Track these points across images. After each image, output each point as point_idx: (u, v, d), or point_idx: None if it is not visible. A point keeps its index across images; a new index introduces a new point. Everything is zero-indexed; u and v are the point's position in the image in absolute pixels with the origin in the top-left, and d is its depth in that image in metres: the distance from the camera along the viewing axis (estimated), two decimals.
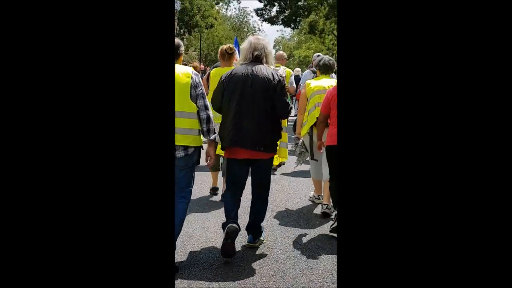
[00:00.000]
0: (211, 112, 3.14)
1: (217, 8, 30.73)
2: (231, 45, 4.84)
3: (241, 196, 3.47)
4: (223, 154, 3.56)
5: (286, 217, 4.36)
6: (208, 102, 3.13)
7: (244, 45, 3.39)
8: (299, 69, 12.62)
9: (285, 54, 6.93)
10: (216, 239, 3.69)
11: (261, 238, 3.58)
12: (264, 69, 3.25)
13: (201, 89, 3.08)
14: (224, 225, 3.33)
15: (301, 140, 4.58)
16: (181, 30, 22.27)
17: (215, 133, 3.18)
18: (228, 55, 4.69)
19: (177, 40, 3.25)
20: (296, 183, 5.84)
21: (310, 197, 4.90)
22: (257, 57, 3.30)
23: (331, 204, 4.16)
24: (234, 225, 3.25)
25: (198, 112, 3.07)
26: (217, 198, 5.00)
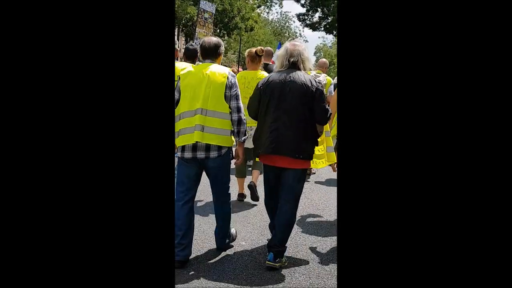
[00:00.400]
0: (243, 114, 3.14)
1: (258, 11, 30.57)
2: (262, 47, 4.79)
3: (278, 198, 3.30)
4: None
5: (314, 235, 3.96)
6: (241, 104, 3.14)
7: (281, 52, 3.32)
8: None
9: (327, 62, 6.85)
10: (232, 249, 3.36)
11: (283, 259, 3.20)
12: (302, 76, 3.17)
13: (235, 90, 3.10)
14: (270, 227, 3.53)
15: None
16: (220, 32, 22.17)
17: (245, 135, 3.18)
18: (258, 58, 4.64)
19: (218, 39, 3.31)
20: (327, 197, 5.42)
21: None
22: (293, 64, 3.23)
23: None
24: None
25: (230, 113, 3.08)
26: (243, 204, 4.78)
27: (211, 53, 3.19)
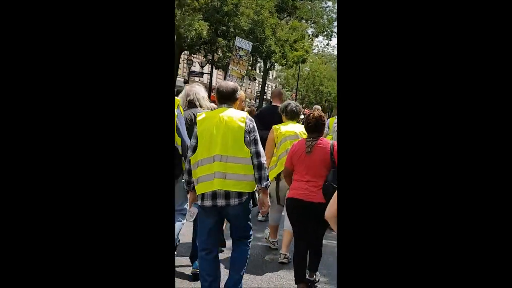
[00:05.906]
0: (263, 158, 3.21)
1: (315, 42, 28.18)
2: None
3: None
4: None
5: None
6: (261, 148, 3.22)
7: (181, 94, 4.07)
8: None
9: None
10: None
11: None
12: (195, 112, 3.83)
13: (254, 134, 3.18)
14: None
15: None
16: (254, 60, 19.81)
17: (267, 180, 3.24)
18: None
19: (235, 83, 3.42)
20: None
21: (266, 238, 5.06)
22: (190, 102, 4.02)
23: (288, 253, 4.41)
24: None
25: (251, 158, 3.16)
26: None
27: (228, 98, 3.26)
